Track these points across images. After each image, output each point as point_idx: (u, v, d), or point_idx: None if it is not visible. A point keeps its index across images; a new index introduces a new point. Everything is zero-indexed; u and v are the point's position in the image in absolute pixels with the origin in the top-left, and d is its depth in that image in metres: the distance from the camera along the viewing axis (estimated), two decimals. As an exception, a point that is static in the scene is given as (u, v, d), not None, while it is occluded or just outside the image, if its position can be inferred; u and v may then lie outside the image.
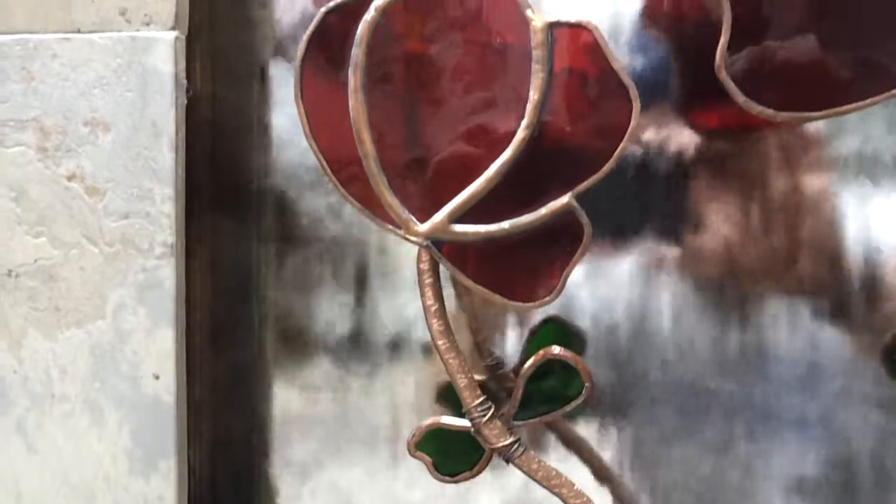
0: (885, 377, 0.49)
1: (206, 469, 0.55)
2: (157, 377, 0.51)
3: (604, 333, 0.51)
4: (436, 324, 0.43)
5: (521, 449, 0.44)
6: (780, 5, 0.38)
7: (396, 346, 0.54)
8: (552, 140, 0.40)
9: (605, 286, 0.51)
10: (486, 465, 0.45)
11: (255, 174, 0.55)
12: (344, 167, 0.43)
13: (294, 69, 0.42)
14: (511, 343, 0.52)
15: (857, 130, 0.48)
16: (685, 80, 0.49)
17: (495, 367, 0.53)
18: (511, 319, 0.52)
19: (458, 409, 0.45)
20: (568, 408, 0.44)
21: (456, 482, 0.46)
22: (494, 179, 0.40)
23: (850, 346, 0.49)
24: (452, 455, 0.45)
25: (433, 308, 0.43)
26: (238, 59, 0.55)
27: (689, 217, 0.50)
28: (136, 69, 0.50)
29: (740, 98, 0.37)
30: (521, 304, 0.42)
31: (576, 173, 0.40)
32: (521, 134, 0.40)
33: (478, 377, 0.45)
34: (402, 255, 0.53)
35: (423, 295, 0.43)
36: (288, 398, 0.56)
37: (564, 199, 0.40)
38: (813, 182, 0.49)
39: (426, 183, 0.42)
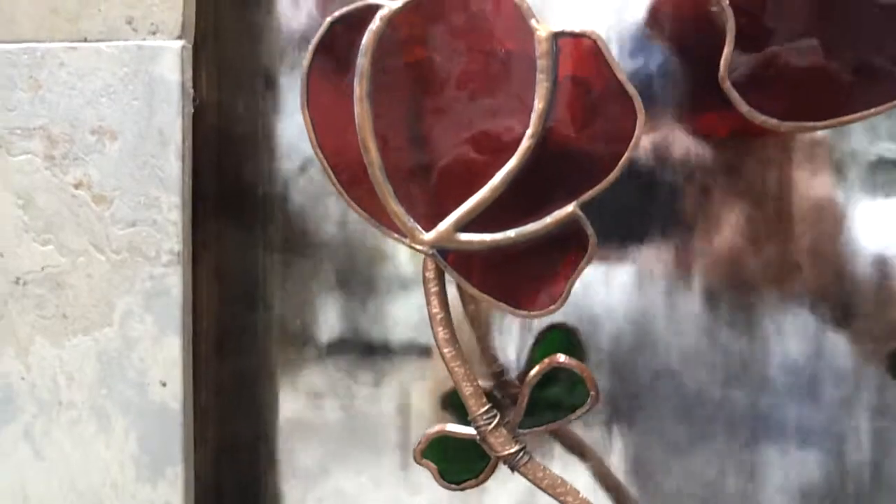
0: (889, 385, 0.49)
1: (212, 476, 0.56)
2: (164, 384, 0.51)
3: (608, 341, 0.52)
4: (441, 332, 0.43)
5: (526, 457, 0.44)
6: (783, 15, 0.38)
7: (402, 354, 0.54)
8: (557, 149, 0.40)
9: (609, 293, 0.51)
10: (492, 472, 0.45)
11: (261, 181, 0.55)
12: (350, 176, 0.43)
13: (300, 78, 0.42)
14: (514, 347, 0.53)
15: (862, 135, 0.48)
16: (688, 87, 0.49)
17: (500, 375, 0.53)
18: (515, 325, 0.52)
19: (463, 416, 0.45)
20: (573, 416, 0.44)
21: (462, 490, 0.46)
22: (500, 188, 0.40)
23: (854, 354, 0.49)
24: (458, 463, 0.46)
25: (439, 316, 0.43)
26: (243, 67, 0.55)
27: (692, 225, 0.50)
28: (143, 78, 0.50)
29: (744, 108, 0.37)
30: (526, 312, 0.42)
31: (580, 182, 0.40)
32: (525, 143, 0.40)
33: (482, 384, 0.45)
34: (408, 262, 0.53)
35: (428, 303, 0.43)
36: (294, 405, 0.56)
37: (569, 208, 0.40)
38: (817, 188, 0.49)
39: (431, 192, 0.42)
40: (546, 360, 0.43)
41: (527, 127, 0.40)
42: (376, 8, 0.41)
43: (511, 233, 0.41)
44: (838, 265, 0.49)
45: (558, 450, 0.52)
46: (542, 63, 0.39)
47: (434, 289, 0.43)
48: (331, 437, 0.55)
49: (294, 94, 0.54)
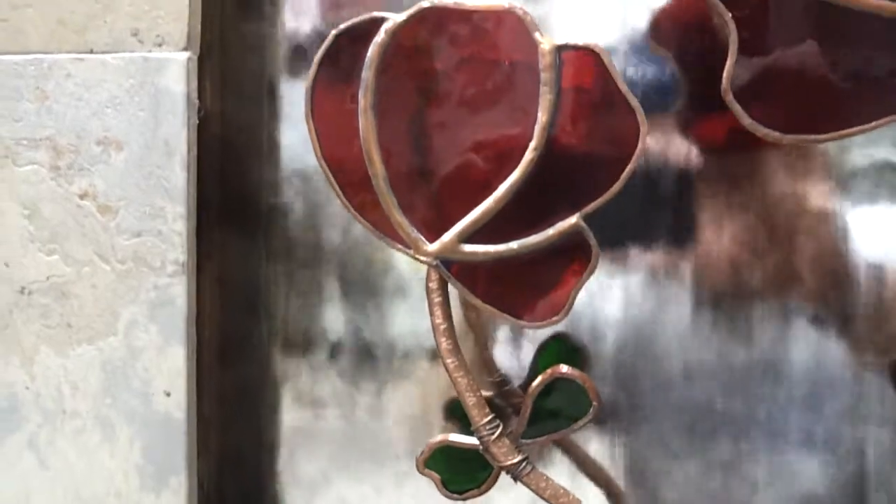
0: (891, 395, 0.49)
1: (215, 485, 0.56)
2: (168, 394, 0.51)
3: (610, 351, 0.52)
4: (444, 342, 0.43)
5: (529, 467, 0.44)
6: (785, 27, 0.38)
7: (405, 363, 0.55)
8: (560, 161, 0.40)
9: (611, 303, 0.51)
10: (495, 482, 0.45)
11: (264, 191, 0.55)
12: (353, 186, 0.43)
13: (305, 89, 0.42)
14: (516, 356, 0.53)
15: (863, 145, 0.48)
16: (690, 98, 0.50)
17: (502, 384, 0.53)
18: (517, 334, 0.52)
19: (466, 426, 0.45)
20: (576, 426, 0.44)
21: (464, 500, 0.46)
22: (503, 200, 0.40)
23: (856, 364, 0.50)
24: (461, 473, 0.46)
25: (442, 327, 0.43)
26: (247, 77, 0.55)
27: (694, 234, 0.50)
28: (149, 89, 0.50)
29: (746, 120, 0.37)
30: (529, 323, 0.42)
31: (584, 194, 0.40)
32: (529, 155, 0.40)
33: (485, 393, 0.45)
34: (411, 272, 0.53)
35: (432, 314, 0.43)
36: (296, 414, 0.56)
37: (573, 219, 0.40)
38: (818, 198, 0.49)
39: (435, 203, 0.42)
40: (549, 371, 0.43)
41: (530, 138, 0.40)
42: (381, 21, 0.41)
43: (514, 244, 0.41)
44: (839, 275, 0.49)
45: (561, 459, 0.52)
46: (545, 76, 0.39)
47: (437, 299, 0.43)
48: (333, 445, 0.56)
49: (297, 105, 0.54)
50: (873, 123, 0.37)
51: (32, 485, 0.53)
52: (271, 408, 0.56)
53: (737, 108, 0.37)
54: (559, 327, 0.48)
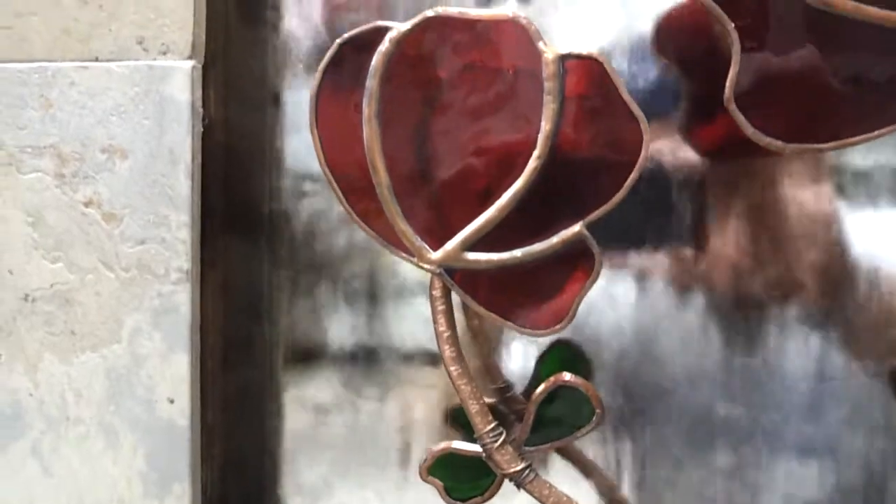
0: (892, 402, 0.49)
1: (218, 491, 0.56)
2: (171, 401, 0.51)
3: (613, 357, 0.52)
4: (448, 350, 0.43)
5: (532, 474, 0.44)
6: (788, 37, 0.38)
7: (407, 369, 0.55)
8: (563, 170, 0.40)
9: (613, 310, 0.51)
10: (498, 490, 0.45)
11: (267, 198, 0.55)
12: (357, 195, 0.43)
13: (310, 98, 0.42)
14: (518, 362, 0.53)
15: (865, 149, 0.49)
16: (692, 104, 0.50)
17: (505, 390, 0.53)
18: (519, 340, 0.52)
19: (468, 432, 0.45)
20: (579, 434, 0.44)
21: (467, 507, 0.46)
22: (507, 208, 0.41)
23: (858, 371, 0.50)
24: (464, 480, 0.46)
25: (445, 335, 0.43)
26: (251, 84, 0.55)
27: (696, 240, 0.50)
28: (154, 97, 0.50)
29: (749, 130, 0.38)
30: (532, 331, 0.42)
31: (587, 203, 0.40)
32: (532, 164, 0.40)
33: (487, 400, 0.45)
34: (414, 279, 0.54)
35: (435, 321, 0.43)
36: (299, 420, 0.56)
37: (576, 227, 0.40)
38: (820, 203, 0.49)
39: (438, 211, 0.42)
40: (552, 379, 0.44)
41: (533, 146, 0.40)
42: (385, 30, 0.41)
43: (518, 252, 0.41)
44: (841, 281, 0.50)
45: (564, 466, 0.52)
46: (549, 85, 0.39)
47: (441, 307, 0.43)
48: (336, 451, 0.56)
49: (300, 112, 0.55)
50: (876, 132, 0.37)
51: (36, 492, 0.53)
52: (274, 414, 0.56)
53: (740, 117, 0.38)
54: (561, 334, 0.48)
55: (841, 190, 0.49)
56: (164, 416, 0.51)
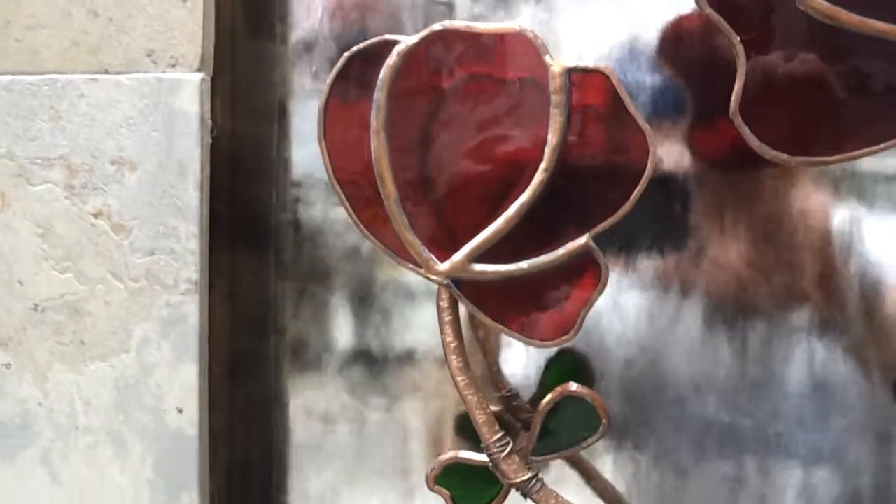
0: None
1: (225, 499, 0.56)
2: (180, 411, 0.51)
3: (618, 366, 0.52)
4: (455, 360, 0.44)
5: (539, 484, 0.44)
6: (792, 50, 0.38)
7: (414, 379, 0.55)
8: (570, 181, 0.41)
9: (619, 320, 0.52)
10: (504, 499, 0.46)
11: (274, 208, 0.56)
12: (365, 206, 0.43)
13: (318, 110, 0.43)
14: (524, 370, 0.53)
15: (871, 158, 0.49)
16: (696, 116, 0.50)
17: (510, 399, 0.53)
18: (525, 349, 0.52)
19: (475, 441, 0.45)
20: (585, 444, 0.44)
21: (474, 517, 0.46)
22: (513, 220, 0.41)
23: (862, 381, 0.50)
24: (471, 489, 0.46)
25: (452, 345, 0.44)
26: (258, 95, 0.56)
27: (700, 250, 0.51)
28: (163, 110, 0.51)
29: (755, 143, 0.38)
30: (539, 342, 0.42)
31: (593, 215, 0.40)
32: (539, 176, 0.40)
33: (493, 408, 0.45)
34: (421, 290, 0.54)
35: (442, 332, 0.44)
36: (306, 429, 0.56)
37: (582, 239, 0.40)
38: (823, 213, 0.49)
39: (445, 222, 0.42)
40: (558, 389, 0.44)
41: (539, 158, 0.40)
42: (393, 43, 0.41)
43: (524, 264, 0.41)
44: (845, 291, 0.50)
45: (570, 475, 0.52)
46: (556, 98, 0.40)
47: (448, 318, 0.44)
48: (342, 460, 0.56)
49: (307, 123, 0.55)
50: (882, 145, 0.37)
51: (44, 500, 0.53)
52: (281, 422, 0.57)
53: (746, 130, 0.38)
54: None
55: (845, 199, 0.49)
56: (173, 426, 0.52)
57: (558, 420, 0.44)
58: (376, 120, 0.42)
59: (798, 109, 0.38)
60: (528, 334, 0.42)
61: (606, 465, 0.52)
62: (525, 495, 0.45)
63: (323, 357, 0.56)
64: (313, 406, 0.56)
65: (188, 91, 0.51)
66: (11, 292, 0.52)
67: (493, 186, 0.42)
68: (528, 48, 0.40)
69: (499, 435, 0.44)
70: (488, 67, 0.41)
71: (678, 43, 0.50)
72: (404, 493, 0.55)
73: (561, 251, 0.41)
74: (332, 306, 0.56)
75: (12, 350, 0.53)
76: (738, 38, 0.38)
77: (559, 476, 0.52)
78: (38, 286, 0.52)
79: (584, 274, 0.41)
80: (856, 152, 0.38)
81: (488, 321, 0.43)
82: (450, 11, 0.53)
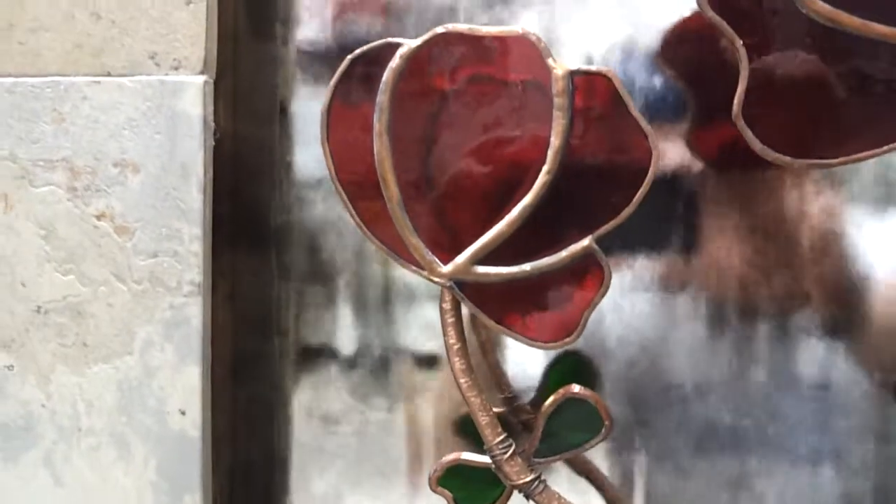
0: (897, 413, 0.50)
1: (227, 502, 0.56)
2: (183, 413, 0.52)
3: (620, 368, 0.52)
4: (458, 362, 0.44)
5: (541, 486, 0.44)
6: (795, 53, 0.38)
7: (416, 379, 0.55)
8: (572, 184, 0.41)
9: (621, 321, 0.52)
10: (507, 501, 0.46)
11: (276, 210, 0.56)
12: (368, 208, 0.44)
13: (321, 114, 0.43)
14: (526, 372, 0.53)
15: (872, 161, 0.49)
16: (698, 116, 0.50)
17: (512, 400, 0.53)
18: (527, 350, 0.52)
19: (477, 442, 0.45)
20: (588, 446, 0.44)
21: (476, 518, 0.46)
22: (516, 222, 0.41)
23: (864, 381, 0.50)
24: (473, 491, 0.46)
25: (455, 347, 0.44)
26: (260, 97, 0.56)
27: (703, 250, 0.51)
28: (166, 112, 0.51)
29: (757, 146, 0.38)
30: (542, 344, 0.42)
31: (596, 217, 0.40)
32: (542, 178, 0.40)
33: (495, 409, 0.45)
34: (423, 291, 0.54)
35: (445, 334, 0.44)
36: (308, 430, 0.56)
37: (585, 241, 0.41)
38: (826, 213, 0.50)
39: (448, 224, 0.43)
40: (561, 391, 0.44)
41: (543, 161, 0.40)
42: (396, 46, 0.41)
43: (527, 266, 0.41)
44: (847, 292, 0.50)
45: (573, 477, 0.52)
46: (558, 101, 0.40)
47: (451, 320, 0.44)
48: (345, 461, 0.56)
49: (309, 124, 0.55)
50: (885, 147, 0.38)
51: (47, 502, 0.53)
52: (283, 423, 0.57)
53: (748, 133, 0.38)
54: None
55: (848, 200, 0.49)
56: (176, 428, 0.52)
57: (561, 422, 0.44)
58: (379, 122, 0.42)
59: (800, 112, 0.39)
60: (530, 336, 0.42)
61: (609, 466, 0.52)
62: (528, 497, 0.45)
63: (325, 358, 0.56)
64: (315, 407, 0.56)
65: (191, 93, 0.51)
66: (14, 294, 0.52)
67: (495, 189, 0.42)
68: (530, 50, 0.40)
69: (502, 437, 0.44)
70: (491, 70, 0.41)
71: (679, 44, 0.50)
72: (407, 495, 0.55)
73: (563, 253, 0.41)
74: (334, 307, 0.56)
75: (15, 352, 0.53)
76: (741, 42, 0.38)
77: (561, 478, 0.52)
78: (40, 288, 0.52)
79: (586, 276, 0.41)
80: (858, 155, 0.38)
81: (491, 323, 0.43)
82: (453, 14, 0.53)
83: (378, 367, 0.55)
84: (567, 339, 0.42)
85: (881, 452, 0.50)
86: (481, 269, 0.42)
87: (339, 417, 0.56)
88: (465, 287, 0.42)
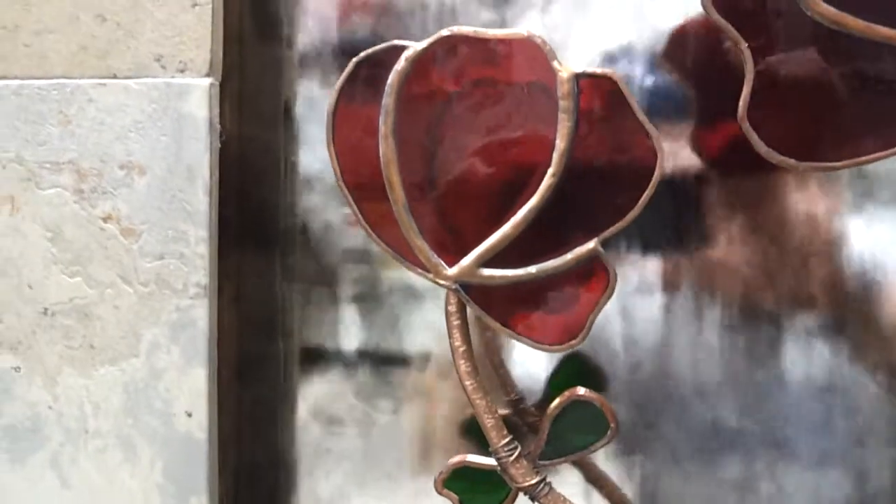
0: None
1: (233, 502, 0.56)
2: (189, 415, 0.52)
3: (625, 371, 0.52)
4: (463, 365, 0.44)
5: (547, 488, 0.44)
6: (800, 55, 0.38)
7: (421, 381, 0.55)
8: (578, 186, 0.41)
9: (626, 324, 0.52)
10: (513, 503, 0.46)
11: (282, 212, 0.56)
12: (373, 210, 0.44)
13: (326, 116, 0.43)
14: (531, 374, 0.53)
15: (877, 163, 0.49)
16: (702, 117, 0.50)
17: (517, 402, 0.54)
18: (532, 353, 0.52)
19: (482, 444, 0.45)
20: (593, 448, 0.44)
21: (482, 520, 0.46)
22: (521, 225, 0.41)
23: (869, 384, 0.50)
24: (479, 493, 0.46)
25: (461, 349, 0.44)
26: (265, 99, 0.56)
27: (707, 252, 0.51)
28: (172, 114, 0.51)
29: (763, 148, 0.38)
30: (547, 346, 0.42)
31: (601, 219, 0.41)
32: (547, 181, 0.40)
33: (500, 411, 0.46)
34: (428, 292, 0.54)
35: (450, 336, 0.44)
36: (313, 431, 0.56)
37: (590, 244, 0.41)
38: (832, 215, 0.49)
39: (453, 227, 0.43)
40: (566, 394, 0.44)
41: (548, 163, 0.40)
42: (401, 49, 0.42)
43: (532, 269, 0.41)
44: (853, 297, 0.50)
45: (578, 479, 0.52)
46: (564, 104, 0.40)
47: (456, 322, 0.44)
48: (350, 463, 0.56)
49: (314, 127, 0.55)
50: (889, 151, 0.38)
51: (54, 503, 0.53)
52: (288, 425, 0.57)
53: (753, 136, 0.38)
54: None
55: (854, 201, 0.49)
56: (182, 430, 0.52)
57: (566, 424, 0.44)
58: (385, 125, 0.42)
59: (805, 115, 0.39)
60: (536, 339, 0.42)
61: (614, 468, 0.52)
62: (533, 499, 0.45)
63: (330, 359, 0.56)
64: (321, 408, 0.56)
65: (197, 96, 0.51)
66: (21, 296, 0.53)
67: (500, 191, 0.42)
68: (536, 53, 0.40)
69: (507, 439, 0.44)
70: (496, 72, 0.41)
71: (683, 45, 0.50)
72: (412, 497, 0.55)
73: (569, 256, 0.41)
74: (339, 309, 0.56)
75: (22, 354, 0.53)
76: (746, 44, 0.38)
77: (566, 480, 0.52)
78: (47, 290, 0.52)
79: (592, 278, 0.41)
80: (863, 157, 0.38)
81: (496, 325, 0.43)
82: (455, 15, 0.53)
83: (383, 369, 0.55)
84: (572, 342, 0.42)
85: (888, 454, 0.50)
86: (487, 272, 0.42)
87: (344, 419, 0.56)
88: (470, 289, 0.42)
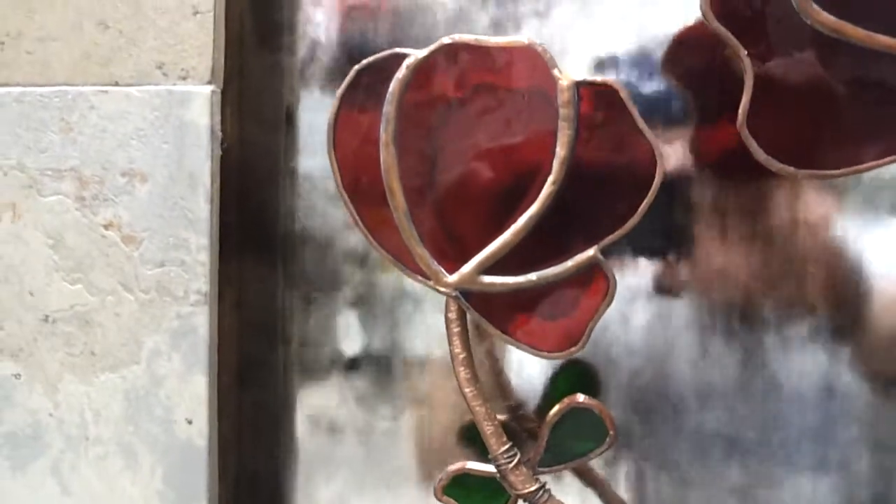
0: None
1: (233, 508, 0.56)
2: (189, 422, 0.52)
3: (624, 377, 0.52)
4: (463, 372, 0.44)
5: (546, 495, 0.45)
6: (799, 63, 0.38)
7: (421, 388, 0.55)
8: (578, 194, 0.41)
9: (625, 330, 0.52)
10: (512, 510, 0.46)
11: (283, 218, 0.56)
12: (374, 217, 0.44)
13: (327, 123, 0.43)
14: (531, 380, 0.53)
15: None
16: (701, 123, 0.50)
17: (517, 408, 0.53)
18: (531, 360, 0.52)
19: (481, 450, 0.46)
20: (592, 455, 0.44)
21: (482, 527, 0.46)
22: (522, 232, 0.41)
23: (868, 392, 0.50)
24: (478, 500, 0.46)
25: (461, 356, 0.44)
26: (266, 105, 0.56)
27: (706, 258, 0.51)
28: (173, 122, 0.51)
29: (762, 156, 0.38)
30: (547, 353, 0.42)
31: (601, 227, 0.41)
32: (547, 189, 0.41)
33: (500, 418, 0.46)
34: (428, 298, 0.54)
35: (450, 343, 0.44)
36: (313, 438, 0.56)
37: (590, 252, 0.41)
38: (831, 221, 0.50)
39: (454, 234, 0.43)
40: (566, 401, 0.44)
41: (548, 171, 0.41)
42: (403, 57, 0.42)
43: (533, 276, 0.41)
44: (852, 304, 0.50)
45: (577, 486, 0.52)
46: (564, 112, 0.40)
47: (456, 329, 0.44)
48: (350, 469, 0.56)
49: (315, 133, 0.55)
50: (888, 159, 0.38)
51: (55, 510, 0.53)
52: (288, 431, 0.57)
53: (752, 143, 0.38)
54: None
55: (854, 206, 0.49)
56: (183, 437, 0.52)
57: (565, 431, 0.44)
58: (386, 132, 0.42)
59: (804, 122, 0.39)
60: (536, 346, 0.42)
61: (612, 475, 0.52)
62: (532, 506, 0.45)
63: (330, 365, 0.56)
64: (321, 415, 0.56)
65: (198, 103, 0.51)
66: (22, 303, 0.53)
67: (501, 198, 0.42)
68: (536, 61, 0.40)
69: (507, 446, 0.44)
70: (496, 80, 0.41)
71: (683, 53, 0.50)
72: (412, 503, 0.55)
73: (569, 263, 0.41)
74: (339, 315, 0.56)
75: (23, 361, 0.53)
76: (745, 52, 0.38)
77: (565, 486, 0.52)
78: (48, 297, 0.52)
79: (591, 286, 0.41)
80: (862, 165, 0.38)
81: (497, 332, 0.43)
82: (458, 24, 0.53)
83: (383, 375, 0.55)
84: (572, 349, 0.42)
85: (886, 461, 0.50)
86: (487, 279, 0.42)
87: (344, 425, 0.56)
88: (470, 297, 0.43)
